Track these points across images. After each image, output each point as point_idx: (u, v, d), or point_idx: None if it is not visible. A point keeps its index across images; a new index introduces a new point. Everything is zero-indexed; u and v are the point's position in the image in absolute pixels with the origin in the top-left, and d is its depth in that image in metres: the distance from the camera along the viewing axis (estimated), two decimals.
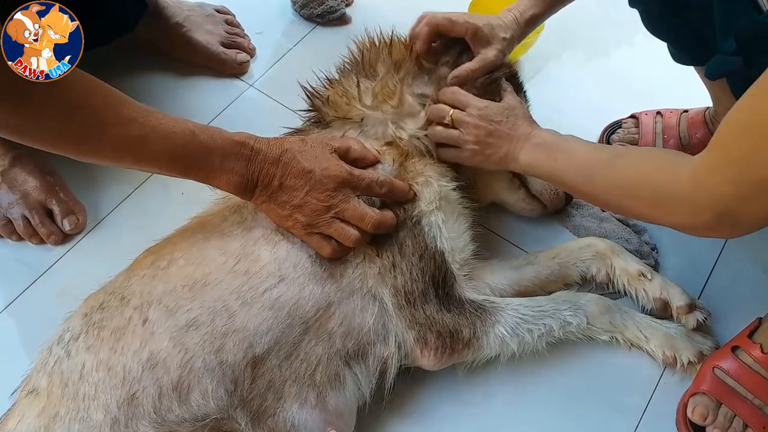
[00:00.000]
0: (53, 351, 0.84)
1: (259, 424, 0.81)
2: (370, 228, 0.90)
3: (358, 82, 1.02)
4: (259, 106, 1.32)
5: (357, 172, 0.90)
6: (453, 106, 1.00)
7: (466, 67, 1.02)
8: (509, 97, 1.03)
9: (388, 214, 0.92)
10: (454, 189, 1.01)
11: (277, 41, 1.46)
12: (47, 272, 1.12)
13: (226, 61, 1.38)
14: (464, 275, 0.97)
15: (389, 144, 1.00)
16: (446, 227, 0.95)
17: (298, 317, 0.85)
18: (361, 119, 1.01)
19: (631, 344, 1.01)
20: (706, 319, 1.02)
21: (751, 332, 0.96)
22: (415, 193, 0.95)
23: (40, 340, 0.88)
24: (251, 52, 1.42)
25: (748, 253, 1.14)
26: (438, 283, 0.92)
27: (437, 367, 0.94)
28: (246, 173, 0.86)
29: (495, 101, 1.01)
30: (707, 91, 1.16)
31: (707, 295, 1.08)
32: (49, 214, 1.16)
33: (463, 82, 1.02)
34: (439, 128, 1.01)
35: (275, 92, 1.35)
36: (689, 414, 0.93)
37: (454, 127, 0.99)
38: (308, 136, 0.98)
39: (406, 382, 0.97)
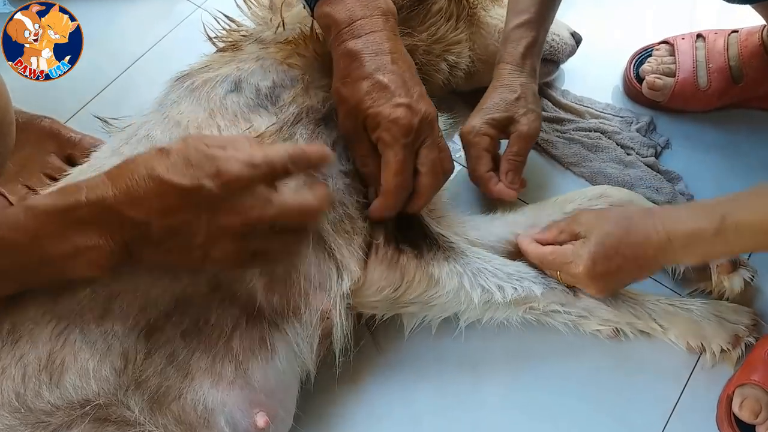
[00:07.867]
0: None
1: (160, 409, 0.66)
2: (316, 211, 0.67)
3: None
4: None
5: (258, 158, 0.62)
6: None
7: (514, 153, 0.91)
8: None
9: (321, 191, 0.67)
10: None
11: None
12: None
13: None
14: None
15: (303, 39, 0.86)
16: None
17: (204, 270, 0.70)
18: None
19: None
20: (752, 278, 0.86)
21: None
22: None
23: None
24: None
25: None
26: None
27: (381, 275, 0.79)
28: (103, 241, 0.59)
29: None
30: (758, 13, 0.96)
31: (753, 259, 0.90)
32: None
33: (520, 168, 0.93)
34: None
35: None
36: (735, 409, 0.79)
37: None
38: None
39: (366, 359, 0.84)
